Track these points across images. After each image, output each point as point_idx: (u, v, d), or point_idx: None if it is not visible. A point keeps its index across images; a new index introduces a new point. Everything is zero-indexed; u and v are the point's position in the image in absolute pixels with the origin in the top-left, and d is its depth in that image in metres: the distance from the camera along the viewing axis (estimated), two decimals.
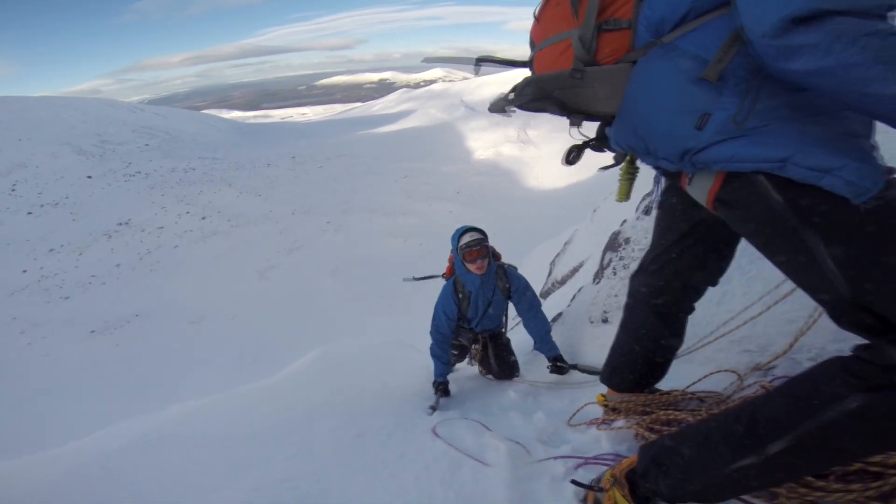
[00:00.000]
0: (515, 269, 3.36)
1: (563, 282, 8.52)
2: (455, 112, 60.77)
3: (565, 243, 10.89)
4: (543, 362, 3.74)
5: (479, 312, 3.23)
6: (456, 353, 3.77)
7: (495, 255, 3.45)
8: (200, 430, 2.66)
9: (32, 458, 2.39)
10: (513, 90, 1.24)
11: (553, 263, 10.32)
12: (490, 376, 3.64)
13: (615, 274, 3.99)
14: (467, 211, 32.71)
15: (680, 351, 1.90)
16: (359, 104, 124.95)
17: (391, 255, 26.94)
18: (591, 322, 3.70)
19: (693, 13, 0.96)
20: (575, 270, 8.22)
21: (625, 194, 1.38)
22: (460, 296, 3.17)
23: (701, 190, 1.07)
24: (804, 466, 1.00)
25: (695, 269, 1.51)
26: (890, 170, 0.92)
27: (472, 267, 2.95)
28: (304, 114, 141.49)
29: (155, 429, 2.70)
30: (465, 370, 4.21)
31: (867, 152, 0.90)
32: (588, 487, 1.36)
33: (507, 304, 3.41)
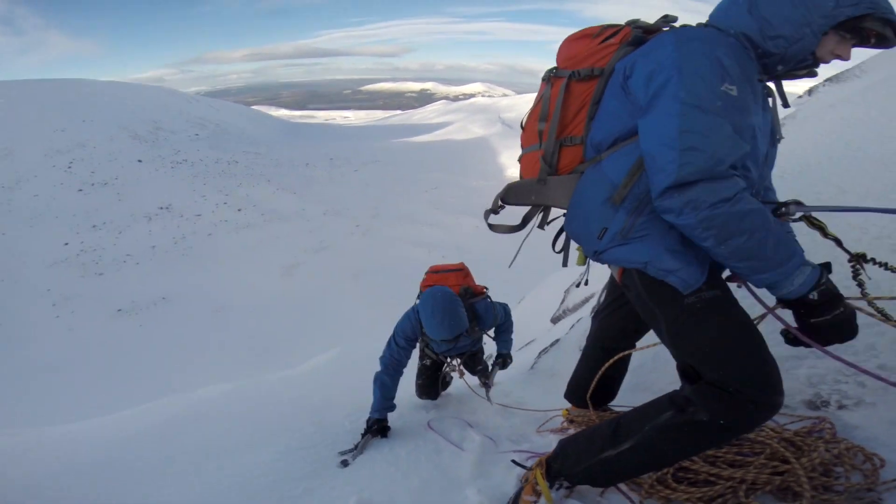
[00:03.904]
0: (488, 302, 2.99)
1: (574, 310, 8.70)
2: (492, 128, 61.58)
3: (581, 273, 11.05)
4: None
5: (443, 349, 3.00)
6: (441, 379, 3.39)
7: (475, 293, 3.02)
8: (232, 408, 3.16)
9: (108, 417, 2.97)
10: (498, 195, 1.67)
11: (567, 291, 10.49)
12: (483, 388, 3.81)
13: None
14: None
15: (646, 383, 2.24)
16: (399, 112, 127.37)
17: (413, 264, 27.37)
18: (580, 350, 3.95)
19: (620, 139, 1.33)
20: (586, 300, 8.40)
21: (582, 261, 1.70)
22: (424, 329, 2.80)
23: (614, 272, 1.51)
24: (642, 461, 1.38)
25: (630, 319, 1.97)
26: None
27: None
28: (346, 117, 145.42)
29: (193, 406, 3.21)
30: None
31: (699, 256, 1.29)
32: (522, 466, 1.79)
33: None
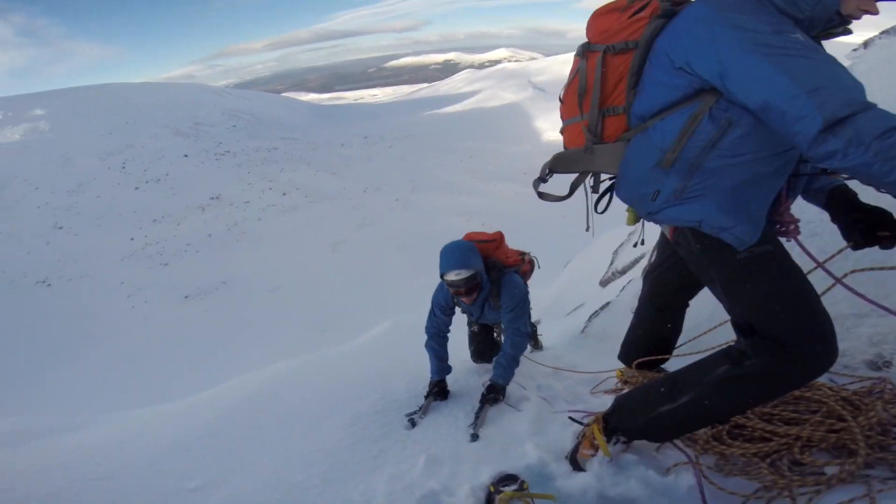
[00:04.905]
0: (514, 278, 2.80)
1: (623, 272, 8.59)
2: (523, 92, 59.71)
3: (630, 233, 10.87)
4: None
5: (475, 315, 3.02)
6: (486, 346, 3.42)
7: (503, 265, 2.87)
8: (306, 380, 3.46)
9: (197, 396, 3.43)
10: (546, 164, 1.71)
11: (616, 253, 10.34)
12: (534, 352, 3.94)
13: None
14: (533, 192, 32.41)
15: (694, 343, 2.33)
16: (425, 85, 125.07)
17: (455, 234, 27.21)
18: (633, 312, 4.01)
19: (665, 107, 1.35)
20: (636, 262, 8.30)
21: (632, 221, 1.72)
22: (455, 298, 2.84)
23: (665, 231, 1.60)
24: (698, 415, 1.47)
25: (685, 276, 1.97)
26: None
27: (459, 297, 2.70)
28: (374, 95, 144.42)
29: (271, 381, 3.53)
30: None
31: (752, 214, 1.32)
32: (579, 423, 1.91)
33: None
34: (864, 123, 1.04)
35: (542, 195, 1.78)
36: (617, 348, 2.55)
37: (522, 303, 2.74)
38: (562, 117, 1.72)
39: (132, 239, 30.14)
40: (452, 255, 2.61)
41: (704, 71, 1.24)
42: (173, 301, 24.37)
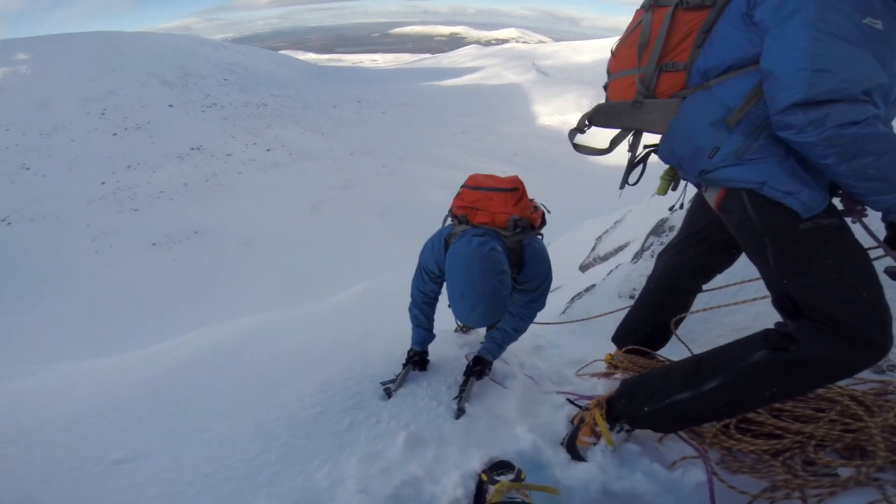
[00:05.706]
0: (540, 249, 2.14)
1: (605, 258, 8.53)
2: (526, 75, 58.65)
3: (616, 221, 10.74)
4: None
5: None
6: None
7: (530, 222, 2.13)
8: (272, 338, 3.15)
9: (145, 350, 3.11)
10: (586, 115, 1.63)
11: (599, 239, 10.26)
12: None
13: (652, 257, 4.07)
14: (522, 174, 30.53)
15: (693, 334, 2.18)
16: (428, 55, 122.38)
17: (438, 206, 27.07)
18: (620, 297, 3.82)
19: (734, 67, 1.31)
20: (619, 249, 8.19)
21: (663, 191, 1.69)
22: None
23: (711, 198, 1.48)
24: (726, 403, 1.37)
25: (707, 256, 1.92)
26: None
27: None
28: (374, 60, 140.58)
29: (231, 336, 3.15)
30: None
31: (819, 183, 1.26)
32: (578, 406, 1.82)
33: None
34: (836, 112, 1.10)
35: (577, 147, 1.68)
36: (599, 331, 2.44)
37: (547, 280, 2.15)
38: (610, 71, 1.65)
39: (103, 183, 29.07)
40: (475, 306, 1.74)
41: (759, 15, 1.23)
42: (140, 248, 23.69)
